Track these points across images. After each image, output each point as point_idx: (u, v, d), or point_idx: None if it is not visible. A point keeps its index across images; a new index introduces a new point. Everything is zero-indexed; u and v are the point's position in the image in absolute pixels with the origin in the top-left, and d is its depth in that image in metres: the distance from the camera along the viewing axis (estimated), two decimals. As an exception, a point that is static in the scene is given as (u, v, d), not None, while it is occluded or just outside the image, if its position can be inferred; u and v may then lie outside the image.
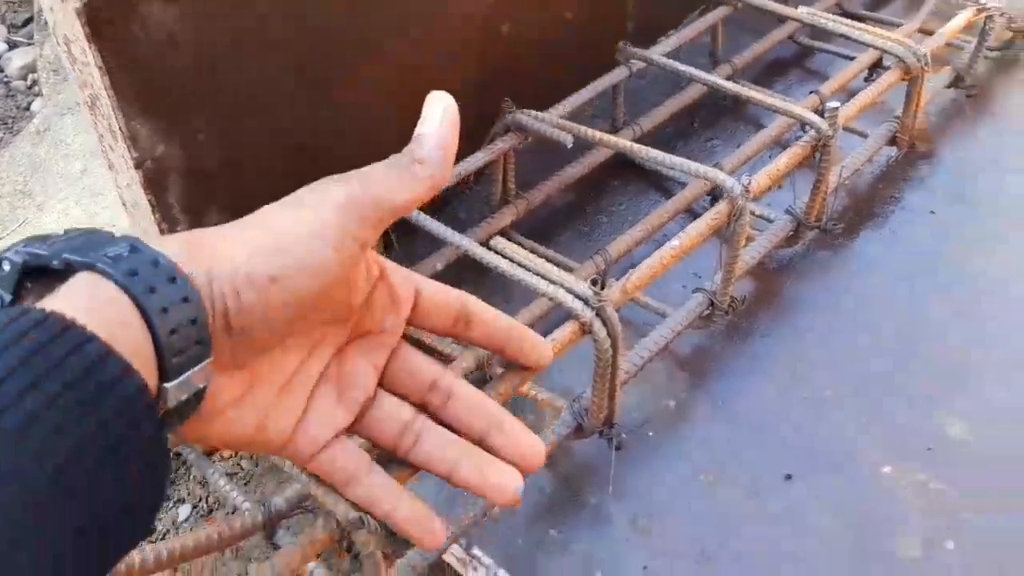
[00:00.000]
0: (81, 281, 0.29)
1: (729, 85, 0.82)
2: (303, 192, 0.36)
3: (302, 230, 0.34)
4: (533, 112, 0.79)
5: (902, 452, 0.74)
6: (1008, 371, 0.80)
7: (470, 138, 0.84)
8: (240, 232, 0.35)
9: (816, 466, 0.73)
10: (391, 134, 0.83)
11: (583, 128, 0.77)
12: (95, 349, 0.27)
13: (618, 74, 0.89)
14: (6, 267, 0.30)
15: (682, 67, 0.85)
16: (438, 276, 0.81)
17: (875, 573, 0.66)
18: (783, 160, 0.75)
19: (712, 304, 0.76)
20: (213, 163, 0.67)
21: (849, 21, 0.92)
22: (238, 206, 0.71)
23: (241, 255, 0.33)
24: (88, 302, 0.28)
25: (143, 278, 0.30)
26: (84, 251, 0.30)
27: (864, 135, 0.98)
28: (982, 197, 0.98)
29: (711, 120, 1.07)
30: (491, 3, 0.85)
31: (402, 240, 0.76)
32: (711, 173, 0.70)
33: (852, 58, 1.08)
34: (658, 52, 0.91)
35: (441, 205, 0.92)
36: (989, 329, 0.84)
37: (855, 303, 0.86)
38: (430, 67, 0.83)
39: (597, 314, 0.59)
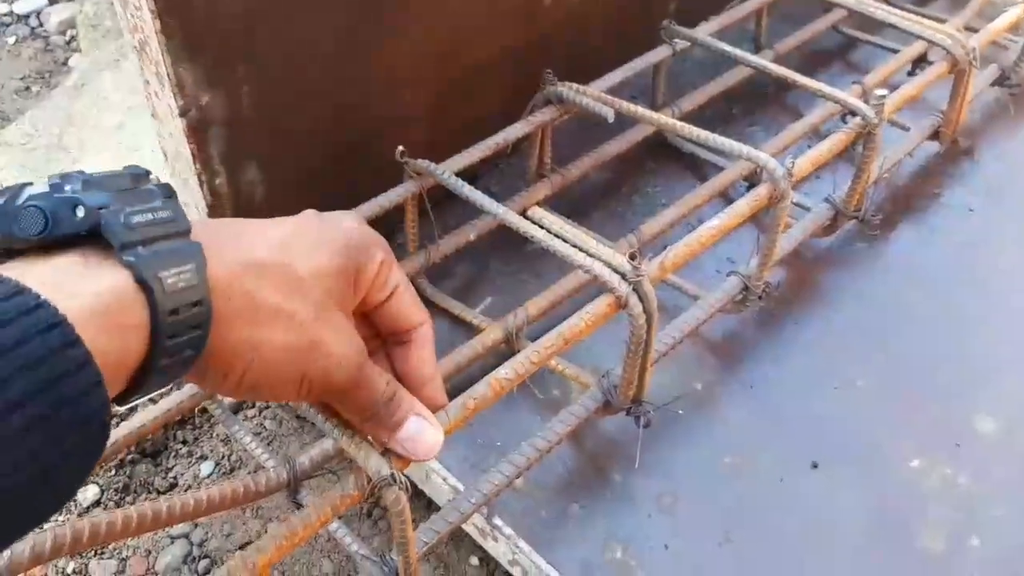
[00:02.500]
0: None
1: (774, 67, 0.81)
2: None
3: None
4: (575, 85, 0.78)
5: (930, 446, 0.73)
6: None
7: (506, 109, 0.85)
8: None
9: (843, 456, 0.72)
10: (427, 95, 0.84)
11: (625, 103, 0.76)
12: (48, 315, 0.27)
13: (661, 52, 0.88)
14: (80, 213, 0.31)
15: (727, 47, 0.84)
16: (471, 247, 0.81)
17: (898, 565, 0.66)
18: (826, 145, 0.74)
19: (746, 288, 0.75)
20: (254, 116, 0.67)
21: (896, 10, 0.90)
22: (275, 161, 0.71)
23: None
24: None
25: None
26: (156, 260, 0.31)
27: (906, 128, 0.97)
28: (1022, 196, 0.97)
29: (751, 107, 1.06)
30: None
31: (436, 209, 0.76)
32: (753, 154, 0.70)
33: (896, 51, 1.07)
34: (703, 32, 0.90)
35: (471, 179, 0.92)
36: (1017, 321, 0.83)
37: (889, 295, 0.85)
38: (470, 33, 0.83)
39: (634, 289, 0.59)
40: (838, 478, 0.71)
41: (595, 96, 0.77)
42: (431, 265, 0.77)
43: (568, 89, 0.78)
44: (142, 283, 0.30)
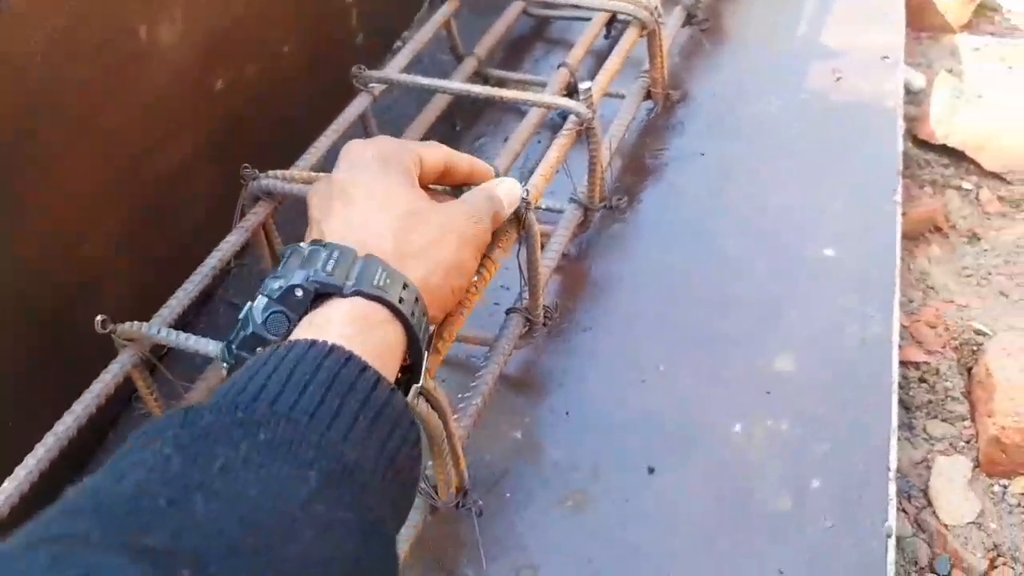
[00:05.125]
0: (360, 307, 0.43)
1: (478, 90, 0.77)
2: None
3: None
4: (280, 173, 0.70)
5: (744, 405, 0.74)
6: (803, 290, 0.82)
7: (214, 215, 0.75)
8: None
9: (673, 449, 0.71)
10: (112, 239, 0.72)
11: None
12: (372, 375, 0.39)
13: (362, 102, 0.82)
14: (299, 293, 0.43)
15: (425, 81, 0.79)
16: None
17: (760, 542, 0.66)
18: (553, 155, 0.72)
19: (529, 321, 0.72)
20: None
21: (575, -11, 0.90)
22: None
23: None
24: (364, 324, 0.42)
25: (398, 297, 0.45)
26: (360, 281, 0.43)
27: (619, 95, 0.97)
28: (741, 126, 1.00)
29: (472, 117, 1.03)
30: (192, 59, 0.75)
31: (168, 358, 0.66)
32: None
33: (587, 19, 1.07)
34: (396, 68, 0.85)
35: (205, 299, 0.83)
36: (781, 254, 0.86)
37: (656, 266, 0.86)
38: (139, 156, 0.72)
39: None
40: (676, 474, 0.70)
41: (305, 179, 0.70)
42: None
43: (273, 180, 0.70)
44: (387, 305, 0.44)
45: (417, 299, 0.45)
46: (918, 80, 1.27)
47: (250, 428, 0.33)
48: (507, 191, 0.57)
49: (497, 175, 0.61)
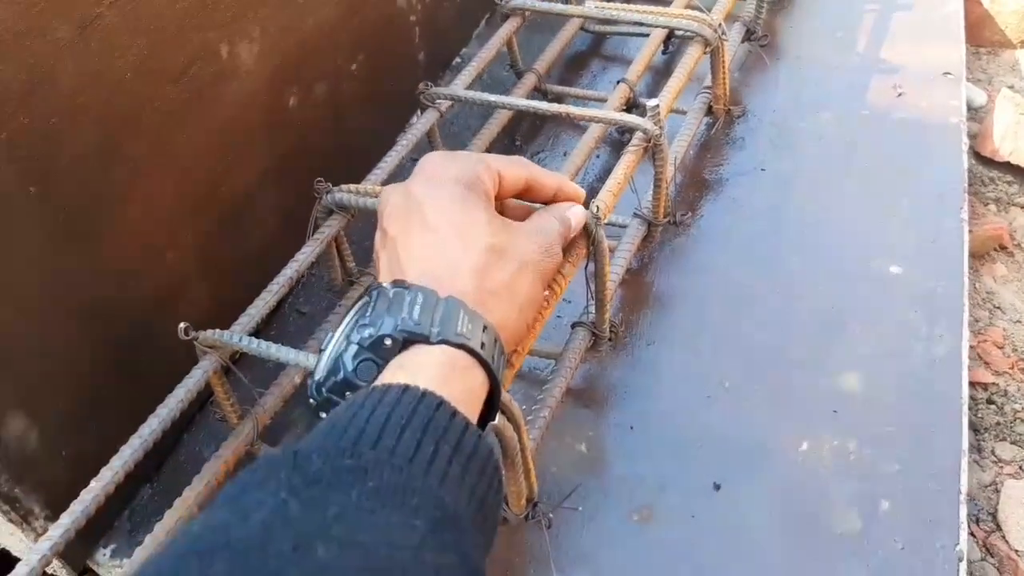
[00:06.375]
0: (446, 354, 0.45)
1: (545, 107, 0.78)
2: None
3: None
4: (352, 187, 0.72)
5: (811, 423, 0.74)
6: (868, 307, 0.81)
7: (287, 228, 0.77)
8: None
9: (739, 466, 0.71)
10: (192, 249, 0.74)
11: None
12: (461, 420, 0.40)
13: (429, 119, 0.83)
14: (388, 343, 0.45)
15: (492, 98, 0.80)
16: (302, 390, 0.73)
17: (822, 559, 0.65)
18: (621, 172, 0.73)
19: (595, 335, 0.72)
20: None
21: (637, 7, 0.90)
22: (44, 397, 0.60)
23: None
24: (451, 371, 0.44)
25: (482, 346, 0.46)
26: (445, 328, 0.45)
27: (680, 111, 0.97)
28: (802, 142, 1.00)
29: (533, 132, 1.04)
30: (268, 77, 0.77)
31: (241, 362, 0.68)
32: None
33: (645, 35, 1.07)
34: (461, 84, 0.86)
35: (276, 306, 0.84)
36: (844, 270, 0.86)
37: (719, 281, 0.85)
38: (220, 169, 0.74)
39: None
40: (742, 491, 0.70)
41: (377, 192, 0.71)
42: (262, 429, 0.68)
43: (347, 194, 0.71)
44: (470, 351, 0.45)
45: (496, 340, 0.47)
46: (979, 97, 1.26)
47: (358, 475, 0.35)
48: (577, 217, 0.58)
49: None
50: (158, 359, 0.66)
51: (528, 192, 0.56)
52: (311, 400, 0.47)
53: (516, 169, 0.54)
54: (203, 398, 0.72)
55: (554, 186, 0.57)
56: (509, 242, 0.50)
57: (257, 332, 0.67)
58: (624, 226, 0.83)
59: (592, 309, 0.73)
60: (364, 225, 0.80)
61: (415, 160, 0.94)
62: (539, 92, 1.03)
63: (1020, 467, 0.83)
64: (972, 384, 0.90)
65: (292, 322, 0.85)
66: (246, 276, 0.73)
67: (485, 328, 0.46)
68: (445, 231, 0.49)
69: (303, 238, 0.73)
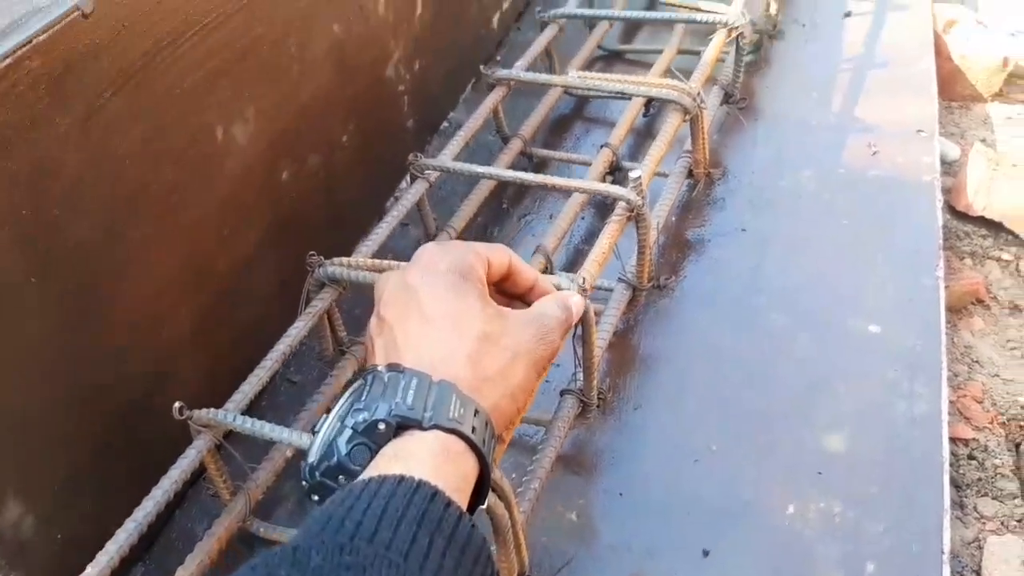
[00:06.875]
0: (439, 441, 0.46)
1: (531, 178, 0.80)
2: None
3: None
4: (344, 260, 0.74)
5: (797, 485, 0.75)
6: (849, 366, 0.83)
7: (282, 300, 0.78)
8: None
9: (727, 531, 0.72)
10: (187, 323, 0.76)
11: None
12: (455, 511, 0.42)
13: (418, 189, 0.85)
14: (381, 427, 0.46)
15: (480, 169, 0.83)
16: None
17: (814, 625, 0.67)
18: (605, 242, 0.75)
19: (583, 403, 0.74)
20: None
21: (619, 77, 0.93)
22: (36, 483, 0.59)
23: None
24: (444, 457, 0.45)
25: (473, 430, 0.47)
26: (437, 413, 0.46)
27: (663, 174, 1.00)
28: (780, 201, 1.03)
29: (519, 196, 1.06)
30: (267, 153, 0.79)
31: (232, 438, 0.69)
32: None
33: (627, 98, 1.10)
34: (449, 154, 0.89)
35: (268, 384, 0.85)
36: (824, 330, 0.88)
37: (703, 343, 0.87)
38: (214, 242, 0.76)
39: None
40: (730, 557, 0.71)
41: (369, 266, 0.73)
42: (254, 505, 0.69)
43: (339, 267, 0.73)
44: (462, 437, 0.46)
45: (487, 424, 0.48)
46: (953, 151, 1.29)
47: (357, 572, 0.36)
48: (578, 306, 0.59)
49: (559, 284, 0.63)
50: (152, 434, 0.67)
51: (508, 278, 0.58)
52: (304, 483, 0.48)
53: (500, 255, 0.56)
54: (196, 475, 0.73)
55: (532, 277, 0.59)
56: (503, 329, 0.51)
57: (249, 403, 0.68)
58: (610, 290, 0.85)
59: (580, 376, 0.74)
60: (355, 294, 0.82)
61: (405, 225, 0.96)
62: (525, 156, 1.06)
63: (1002, 523, 0.85)
64: (953, 440, 0.92)
65: (283, 391, 0.86)
66: (241, 346, 0.74)
67: (476, 412, 0.47)
68: (441, 320, 0.50)
69: (296, 304, 0.74)
